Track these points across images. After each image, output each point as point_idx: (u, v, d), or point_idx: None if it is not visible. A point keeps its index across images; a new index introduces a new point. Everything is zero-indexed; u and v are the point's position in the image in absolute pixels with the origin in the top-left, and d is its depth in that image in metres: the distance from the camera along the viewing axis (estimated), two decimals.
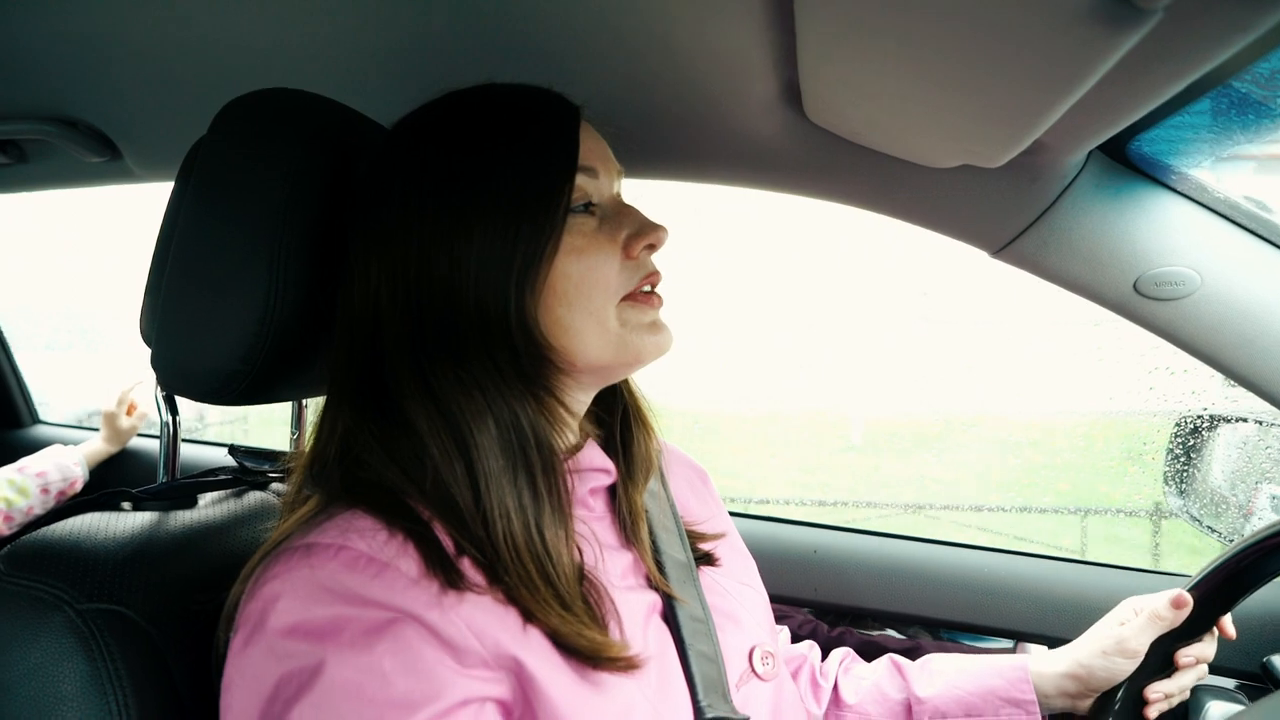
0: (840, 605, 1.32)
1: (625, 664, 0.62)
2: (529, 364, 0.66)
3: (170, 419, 0.81)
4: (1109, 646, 0.87)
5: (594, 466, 0.73)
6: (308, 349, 0.75)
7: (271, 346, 0.72)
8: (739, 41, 0.80)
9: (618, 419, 0.79)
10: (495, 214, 0.64)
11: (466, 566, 0.60)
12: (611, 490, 0.76)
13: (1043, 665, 0.90)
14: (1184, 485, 1.31)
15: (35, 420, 1.82)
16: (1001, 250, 0.99)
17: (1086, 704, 0.89)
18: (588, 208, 0.69)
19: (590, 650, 0.60)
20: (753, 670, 0.76)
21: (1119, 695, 0.87)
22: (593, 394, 0.75)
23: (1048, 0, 0.49)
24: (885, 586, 1.31)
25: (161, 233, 0.81)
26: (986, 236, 0.99)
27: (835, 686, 0.95)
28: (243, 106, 0.75)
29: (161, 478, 0.82)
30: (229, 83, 1.02)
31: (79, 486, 1.56)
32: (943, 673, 0.93)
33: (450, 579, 0.59)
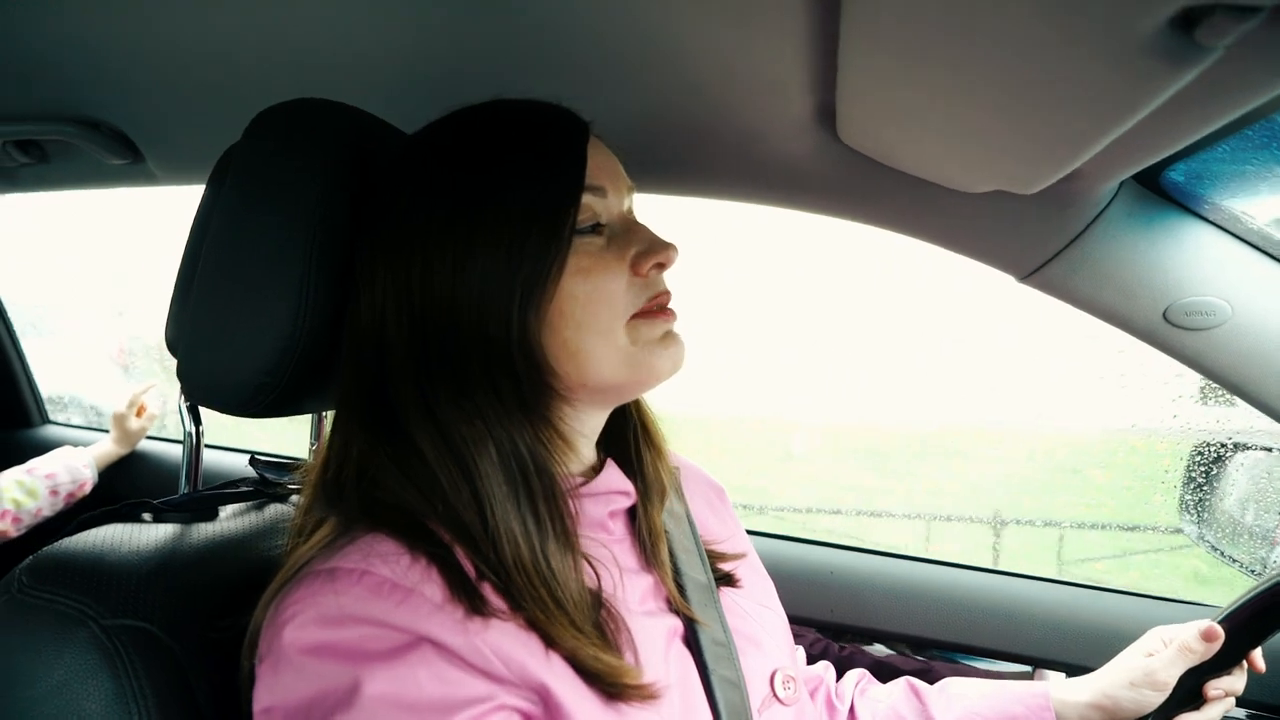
0: (857, 626, 1.31)
1: (642, 693, 0.61)
2: (530, 391, 0.65)
3: (194, 429, 0.80)
4: (1137, 678, 0.86)
5: (613, 489, 0.72)
6: (334, 361, 0.75)
7: (301, 358, 0.71)
8: (776, 62, 0.79)
9: (630, 439, 0.78)
10: (499, 233, 0.64)
11: (488, 591, 0.59)
12: (631, 512, 0.75)
13: (1066, 694, 0.89)
14: (1202, 513, 1.30)
15: (45, 420, 1.81)
16: (1029, 276, 0.98)
17: None
18: (595, 228, 0.68)
19: (608, 674, 0.60)
20: (774, 695, 0.75)
21: None
22: (605, 416, 0.74)
23: (1107, 32, 0.49)
24: (903, 608, 1.30)
25: (190, 241, 0.81)
26: (1014, 262, 0.99)
27: (851, 709, 0.94)
28: (276, 115, 0.75)
29: (184, 488, 0.81)
30: (255, 88, 1.02)
31: (88, 489, 1.55)
32: (962, 697, 0.91)
33: (474, 605, 0.58)
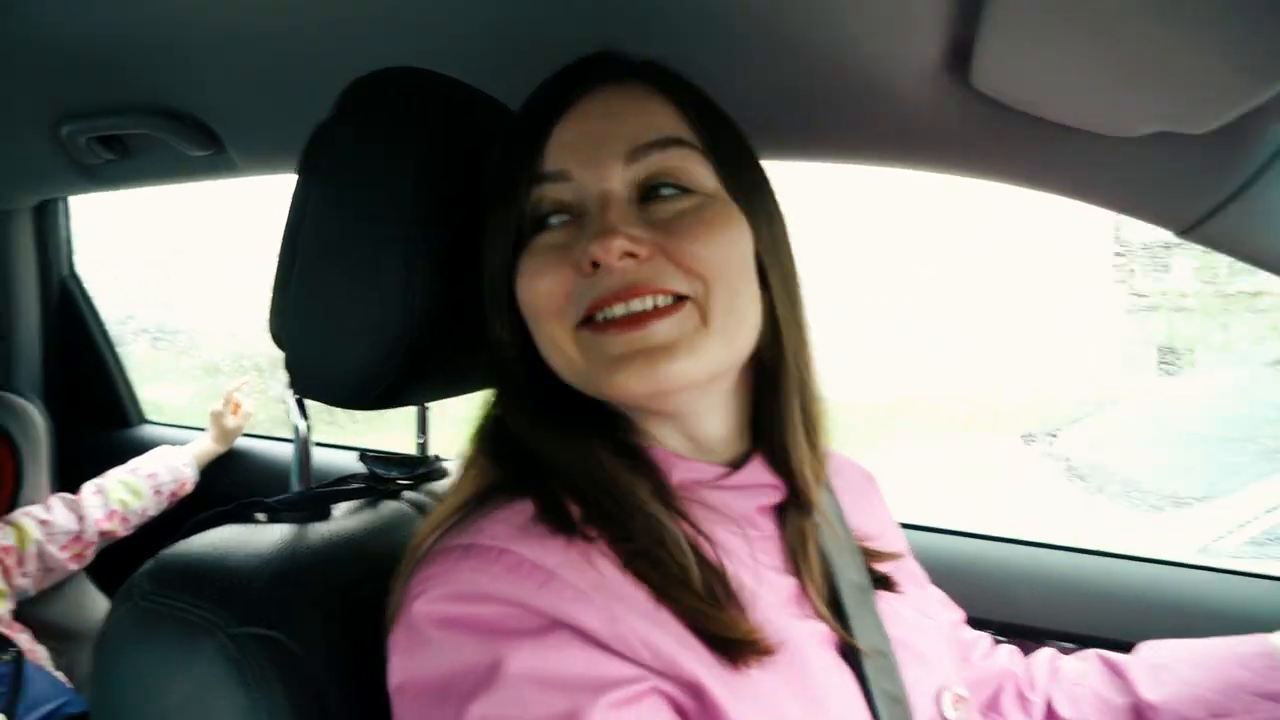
0: (998, 621, 1.20)
1: (762, 648, 0.54)
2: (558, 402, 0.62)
3: (303, 424, 0.77)
4: None
5: (759, 483, 0.65)
6: (449, 347, 0.70)
7: (412, 346, 0.67)
8: None
9: (778, 428, 0.68)
10: (488, 229, 0.62)
11: (630, 576, 0.55)
12: (781, 507, 0.67)
13: None
14: None
15: (142, 420, 1.83)
16: (1191, 230, 0.88)
17: None
18: (558, 218, 0.60)
19: (739, 636, 0.54)
20: (942, 716, 0.66)
21: None
22: (707, 414, 0.65)
23: None
24: (1049, 600, 1.19)
25: (288, 226, 0.77)
26: (1174, 215, 0.89)
27: (1049, 702, 0.83)
28: (367, 87, 0.70)
29: (294, 486, 0.78)
30: (334, 65, 0.98)
31: (189, 487, 1.56)
32: (1171, 668, 0.79)
33: (616, 590, 0.54)
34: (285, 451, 1.66)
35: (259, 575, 0.64)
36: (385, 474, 0.84)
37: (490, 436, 0.65)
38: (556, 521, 0.56)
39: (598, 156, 0.59)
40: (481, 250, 0.63)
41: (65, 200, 1.74)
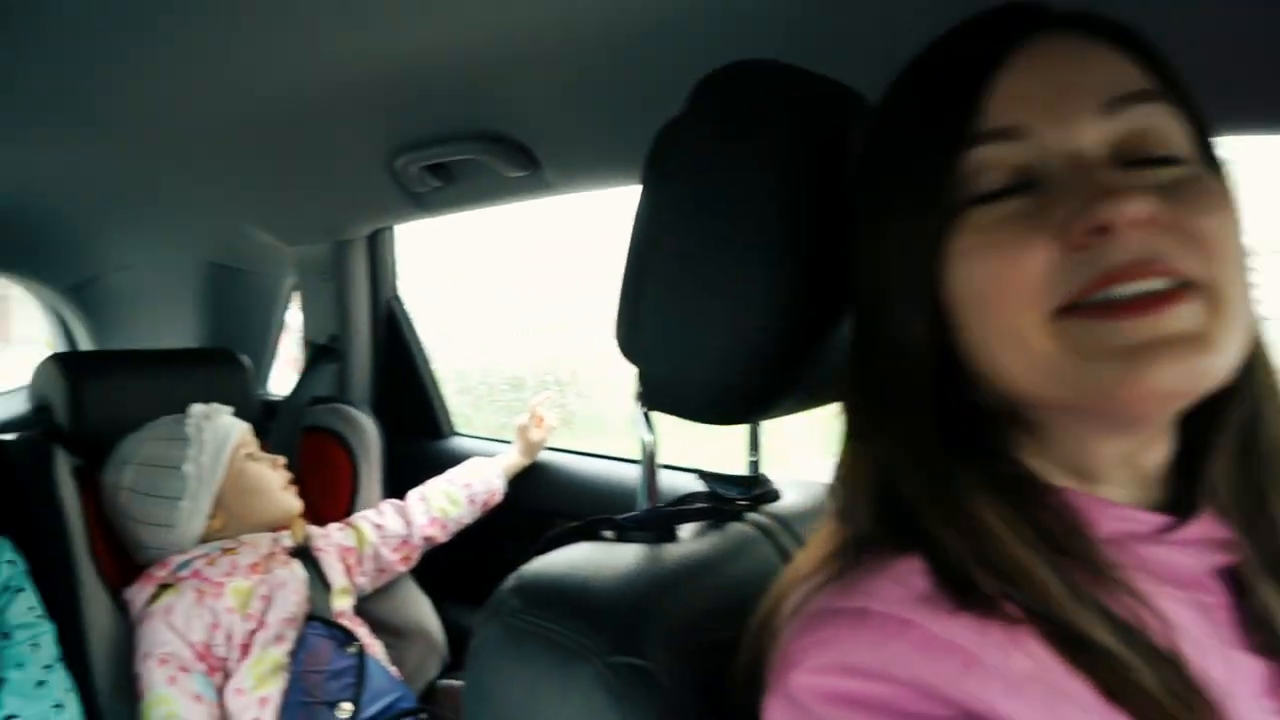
0: None
1: None
2: (946, 412, 0.49)
3: (650, 439, 0.74)
4: None
5: (1210, 537, 0.50)
6: (813, 357, 0.63)
7: (777, 356, 0.61)
8: None
9: (1233, 466, 0.52)
10: (886, 206, 0.52)
11: (1067, 664, 0.43)
12: (1233, 567, 0.51)
13: None
14: None
15: (453, 431, 1.94)
16: None
17: None
18: (996, 187, 0.47)
19: None
20: None
21: None
22: (1127, 440, 0.49)
23: None
24: None
25: (635, 233, 0.74)
26: None
27: None
28: (722, 81, 0.65)
29: (641, 504, 0.75)
30: (650, 75, 0.96)
31: (498, 498, 1.63)
32: None
33: (1056, 683, 0.43)
34: (577, 463, 1.69)
35: (623, 599, 0.60)
36: (725, 493, 0.79)
37: (858, 471, 0.54)
38: (959, 587, 0.46)
39: (1064, 108, 0.47)
40: (864, 240, 0.54)
41: (391, 228, 1.90)
